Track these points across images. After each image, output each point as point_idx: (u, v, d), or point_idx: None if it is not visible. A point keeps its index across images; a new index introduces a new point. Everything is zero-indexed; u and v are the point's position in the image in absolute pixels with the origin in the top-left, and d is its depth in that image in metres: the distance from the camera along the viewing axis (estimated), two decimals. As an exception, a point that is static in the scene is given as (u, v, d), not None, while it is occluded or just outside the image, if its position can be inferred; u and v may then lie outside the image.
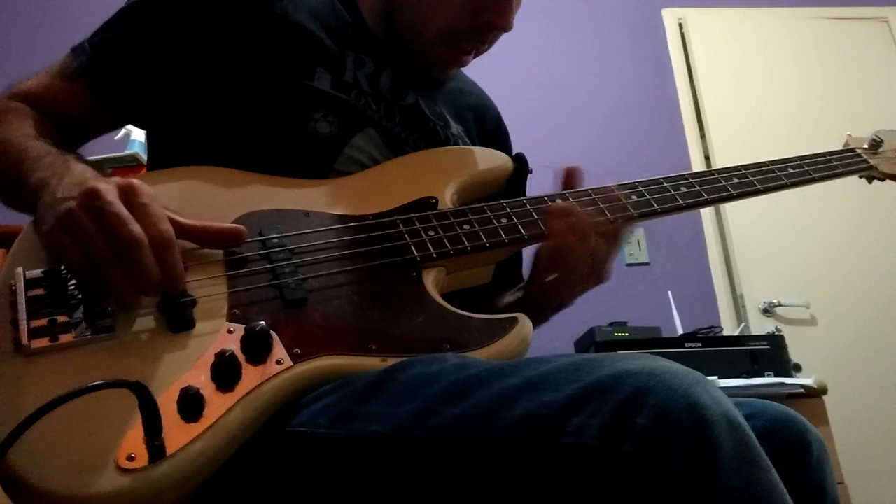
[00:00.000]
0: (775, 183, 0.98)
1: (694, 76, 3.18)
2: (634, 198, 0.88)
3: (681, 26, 3.29)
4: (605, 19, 3.27)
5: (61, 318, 0.61)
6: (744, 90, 3.15)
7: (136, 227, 0.61)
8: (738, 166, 0.98)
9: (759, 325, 2.70)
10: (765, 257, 2.84)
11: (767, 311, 2.76)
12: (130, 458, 0.53)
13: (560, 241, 0.84)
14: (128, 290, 0.62)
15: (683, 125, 3.11)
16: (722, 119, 3.09)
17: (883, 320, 2.76)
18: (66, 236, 0.61)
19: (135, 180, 0.65)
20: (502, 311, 0.76)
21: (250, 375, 0.61)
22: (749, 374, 1.99)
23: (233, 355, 0.60)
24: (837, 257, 2.83)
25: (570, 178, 0.92)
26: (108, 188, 0.63)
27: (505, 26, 0.91)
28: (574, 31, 3.15)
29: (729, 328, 2.70)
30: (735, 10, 3.31)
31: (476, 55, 0.98)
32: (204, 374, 0.59)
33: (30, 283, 0.63)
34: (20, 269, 0.64)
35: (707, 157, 3.06)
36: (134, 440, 0.54)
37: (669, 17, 3.30)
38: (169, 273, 0.62)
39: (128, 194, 0.63)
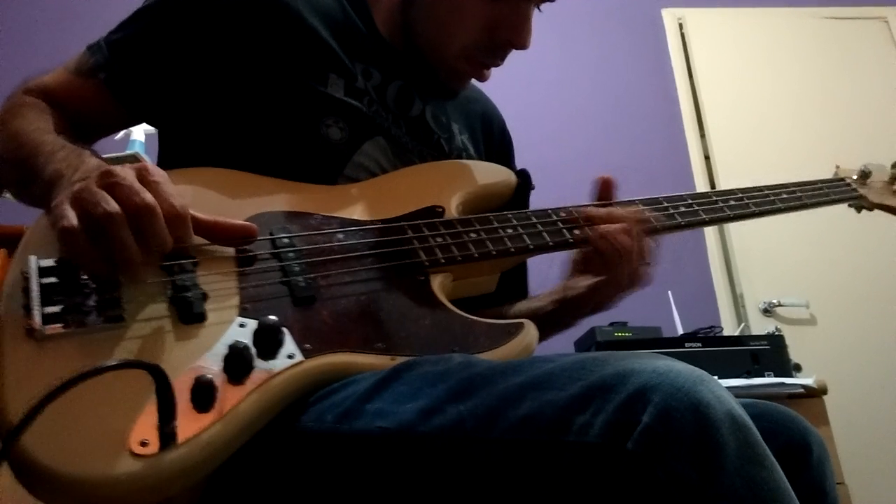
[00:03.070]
0: (770, 207, 1.03)
1: (694, 76, 3.18)
2: None
3: (681, 26, 3.29)
4: (605, 19, 3.27)
5: (73, 306, 0.62)
6: (744, 90, 3.15)
7: (149, 196, 0.61)
8: (735, 189, 1.03)
9: (759, 325, 2.70)
10: (765, 257, 2.84)
11: (767, 311, 2.76)
12: (144, 444, 0.54)
13: (599, 248, 0.85)
14: (136, 255, 0.61)
15: (683, 125, 3.11)
16: (722, 119, 3.09)
17: (883, 320, 2.76)
18: (75, 207, 0.61)
19: (149, 164, 0.65)
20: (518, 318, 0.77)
21: (261, 369, 0.61)
22: (749, 374, 1.99)
23: (246, 348, 0.60)
24: (837, 257, 2.83)
25: (604, 188, 0.93)
26: (125, 169, 0.63)
27: (524, 45, 0.93)
28: (574, 31, 3.15)
29: (729, 328, 2.70)
30: (735, 10, 3.32)
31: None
32: (215, 366, 0.60)
33: (42, 272, 0.64)
34: (33, 257, 0.65)
35: (707, 158, 3.07)
36: (146, 426, 0.54)
37: (669, 17, 3.30)
38: (182, 239, 0.63)
39: (142, 174, 0.64)
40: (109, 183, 0.61)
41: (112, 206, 0.60)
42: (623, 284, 0.87)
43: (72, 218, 0.60)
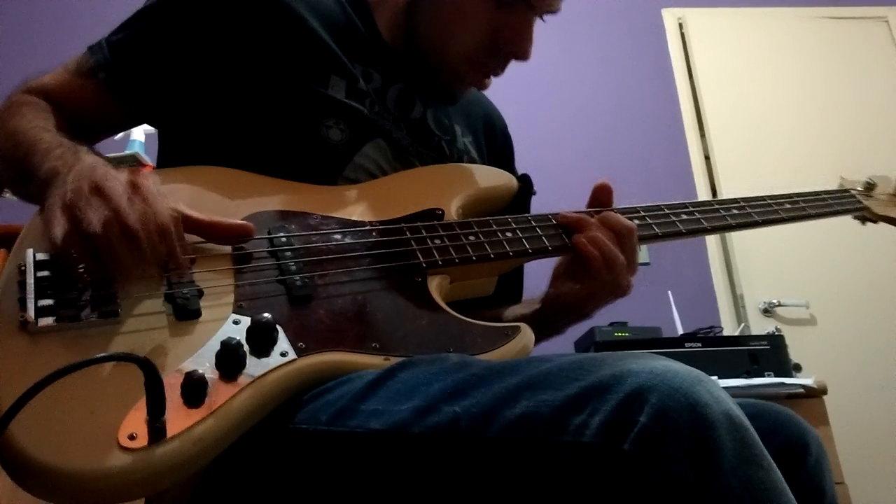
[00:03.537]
0: (772, 217, 1.03)
1: (694, 76, 3.18)
2: (637, 222, 0.89)
3: (681, 26, 3.29)
4: (606, 19, 3.27)
5: (68, 300, 0.62)
6: (744, 90, 3.15)
7: (132, 216, 0.61)
8: (737, 198, 1.02)
9: (759, 325, 2.70)
10: (765, 257, 2.84)
11: (767, 311, 2.76)
12: (132, 438, 0.54)
13: (583, 250, 0.84)
14: (124, 270, 0.61)
15: (683, 125, 3.11)
16: (722, 119, 3.09)
17: (883, 320, 2.76)
18: (65, 218, 0.61)
19: (140, 178, 0.65)
20: (507, 322, 0.77)
21: (254, 366, 0.61)
22: (749, 374, 2.00)
23: (239, 344, 0.60)
24: (837, 257, 2.83)
25: (601, 193, 0.92)
26: (114, 184, 0.63)
27: (525, 53, 0.93)
28: (574, 31, 3.15)
29: (729, 328, 2.70)
30: (735, 10, 3.32)
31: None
32: (208, 362, 0.60)
33: (39, 265, 0.64)
34: (30, 251, 0.65)
35: (707, 158, 3.07)
36: (135, 420, 0.55)
37: (669, 17, 3.30)
38: (169, 259, 0.63)
39: (132, 189, 0.64)
40: (97, 198, 0.62)
41: (95, 223, 0.60)
42: (606, 292, 0.86)
43: (60, 232, 0.61)
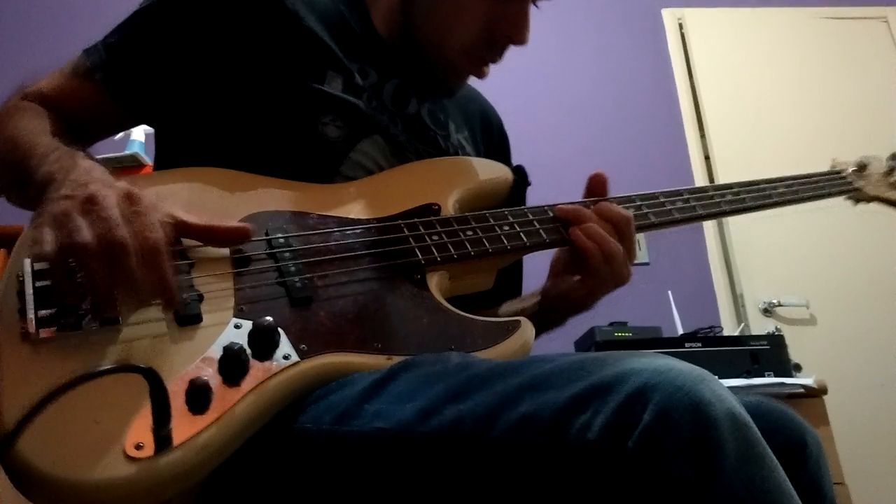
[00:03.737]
0: (766, 201, 1.02)
1: (694, 76, 3.18)
2: (632, 210, 0.89)
3: (680, 26, 3.29)
4: (605, 19, 3.27)
5: (68, 308, 0.61)
6: (743, 90, 3.15)
7: (122, 232, 0.60)
8: (731, 184, 1.02)
9: (759, 325, 2.70)
10: (765, 257, 2.84)
11: (767, 310, 2.76)
12: (139, 447, 0.53)
13: (582, 245, 0.84)
14: (103, 289, 0.60)
15: (683, 125, 3.11)
16: (721, 119, 3.09)
17: (883, 320, 2.76)
18: (54, 230, 0.60)
19: (135, 190, 0.64)
20: (507, 317, 0.76)
21: (257, 370, 0.61)
22: (749, 374, 2.00)
23: (241, 349, 0.60)
24: (837, 257, 2.83)
25: (596, 184, 0.92)
26: (108, 195, 0.62)
27: (523, 41, 0.93)
28: (574, 30, 3.15)
29: (729, 328, 2.70)
30: (735, 10, 3.32)
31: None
32: (211, 368, 0.60)
33: (37, 274, 0.63)
34: (28, 260, 0.64)
35: (707, 157, 3.06)
36: (141, 429, 0.54)
37: (669, 16, 3.30)
38: (153, 279, 0.61)
39: (126, 202, 0.63)
40: (89, 210, 0.61)
41: (86, 236, 0.59)
42: (606, 284, 0.86)
43: (48, 243, 0.60)
